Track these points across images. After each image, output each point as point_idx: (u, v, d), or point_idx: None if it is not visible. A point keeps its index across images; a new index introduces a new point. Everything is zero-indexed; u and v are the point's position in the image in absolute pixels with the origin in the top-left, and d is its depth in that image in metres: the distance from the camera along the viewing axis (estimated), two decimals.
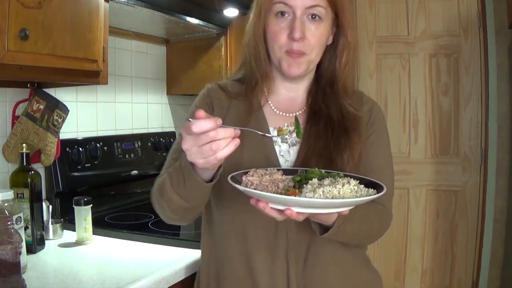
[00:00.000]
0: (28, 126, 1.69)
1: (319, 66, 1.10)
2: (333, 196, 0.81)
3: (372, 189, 0.85)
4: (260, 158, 1.03)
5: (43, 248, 1.55)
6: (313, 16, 1.00)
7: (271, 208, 0.80)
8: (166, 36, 2.46)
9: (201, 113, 0.77)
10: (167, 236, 1.59)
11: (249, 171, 0.92)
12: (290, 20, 1.00)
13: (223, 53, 2.35)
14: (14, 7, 1.24)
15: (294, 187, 0.89)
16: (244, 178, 0.90)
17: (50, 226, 1.66)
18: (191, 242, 1.50)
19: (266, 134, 0.99)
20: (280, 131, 0.99)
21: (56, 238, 1.67)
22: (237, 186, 0.82)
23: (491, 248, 2.78)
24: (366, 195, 0.83)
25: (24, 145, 1.55)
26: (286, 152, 1.06)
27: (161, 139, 2.41)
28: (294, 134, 1.00)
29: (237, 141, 0.78)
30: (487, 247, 2.79)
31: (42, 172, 1.78)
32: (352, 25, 1.07)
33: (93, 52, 1.54)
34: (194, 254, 1.42)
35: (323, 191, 0.81)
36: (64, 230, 1.70)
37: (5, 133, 1.70)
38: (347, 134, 1.03)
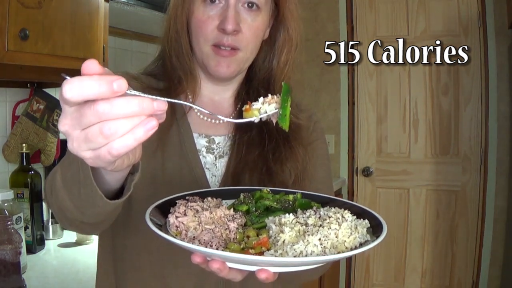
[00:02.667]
0: (28, 126, 1.69)
1: (251, 63, 0.92)
2: (332, 245, 0.57)
3: (364, 220, 0.64)
4: (185, 171, 0.83)
5: (43, 248, 1.55)
6: (250, 5, 0.82)
7: (231, 268, 0.55)
8: None
9: (91, 64, 0.43)
10: None
11: (176, 202, 0.66)
12: (221, 8, 0.81)
13: None
14: (14, 7, 1.24)
15: (246, 224, 0.65)
16: (171, 219, 0.62)
17: (50, 226, 1.66)
18: None
19: (219, 116, 0.61)
20: (247, 111, 0.61)
21: (56, 238, 1.67)
22: (171, 239, 0.54)
23: (491, 248, 2.78)
24: (365, 235, 0.61)
25: (24, 145, 1.56)
26: (212, 164, 0.87)
27: None
28: (267, 117, 0.62)
29: (151, 124, 0.45)
30: (487, 247, 2.79)
31: (42, 172, 1.78)
32: (296, 17, 0.90)
33: (93, 52, 1.54)
34: None
35: (320, 239, 0.57)
36: (64, 230, 1.70)
37: (5, 133, 1.70)
38: (288, 143, 0.87)
